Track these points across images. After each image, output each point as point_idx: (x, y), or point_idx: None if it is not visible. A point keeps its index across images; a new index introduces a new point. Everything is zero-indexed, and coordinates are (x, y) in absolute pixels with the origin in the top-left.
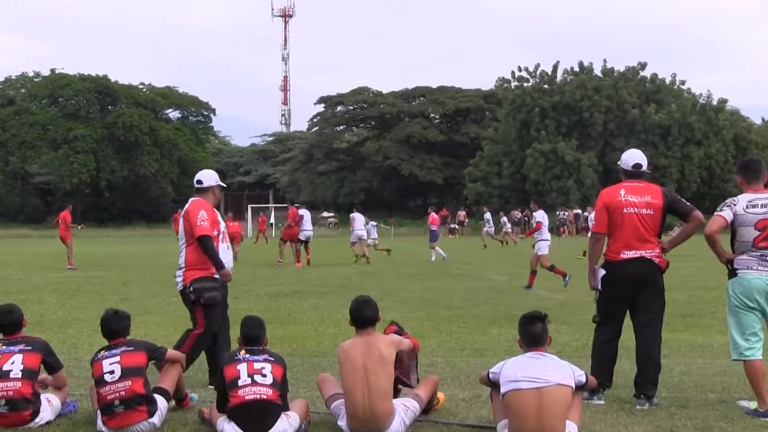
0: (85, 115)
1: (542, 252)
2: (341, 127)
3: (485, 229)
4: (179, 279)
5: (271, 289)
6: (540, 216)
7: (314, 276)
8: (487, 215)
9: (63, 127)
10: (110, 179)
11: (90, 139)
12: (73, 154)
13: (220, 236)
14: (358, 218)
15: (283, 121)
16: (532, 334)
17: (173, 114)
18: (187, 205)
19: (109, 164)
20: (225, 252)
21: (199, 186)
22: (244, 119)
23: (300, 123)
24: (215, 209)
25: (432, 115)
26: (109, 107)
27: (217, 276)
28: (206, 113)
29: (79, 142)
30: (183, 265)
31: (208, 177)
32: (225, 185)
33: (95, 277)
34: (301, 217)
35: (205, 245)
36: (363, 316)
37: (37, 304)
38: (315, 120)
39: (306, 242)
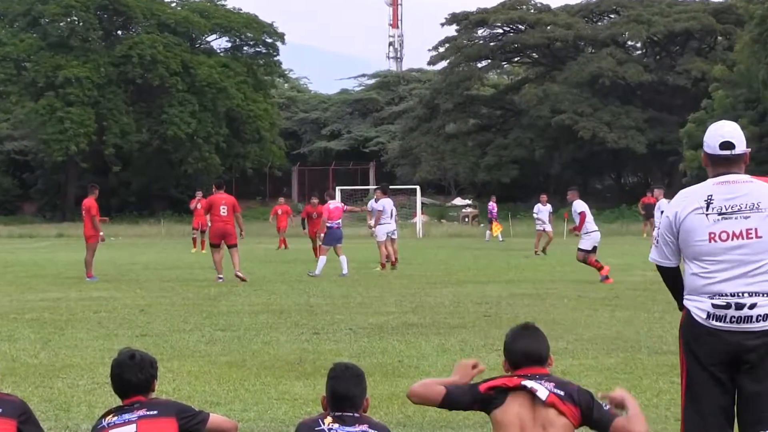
0: (81, 46)
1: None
2: (484, 63)
3: (539, 227)
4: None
5: (372, 320)
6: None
7: (441, 300)
8: (537, 207)
9: (47, 63)
10: (121, 146)
11: (89, 83)
12: (63, 106)
13: None
14: (387, 204)
15: (391, 54)
16: None
17: (218, 43)
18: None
19: (118, 122)
20: None
21: (728, 153)
22: (330, 51)
23: (418, 57)
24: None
25: (630, 42)
26: (119, 32)
27: None
28: (270, 41)
29: (72, 88)
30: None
31: (740, 136)
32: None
33: (98, 299)
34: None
35: None
36: (526, 350)
37: (7, 341)
38: (442, 51)
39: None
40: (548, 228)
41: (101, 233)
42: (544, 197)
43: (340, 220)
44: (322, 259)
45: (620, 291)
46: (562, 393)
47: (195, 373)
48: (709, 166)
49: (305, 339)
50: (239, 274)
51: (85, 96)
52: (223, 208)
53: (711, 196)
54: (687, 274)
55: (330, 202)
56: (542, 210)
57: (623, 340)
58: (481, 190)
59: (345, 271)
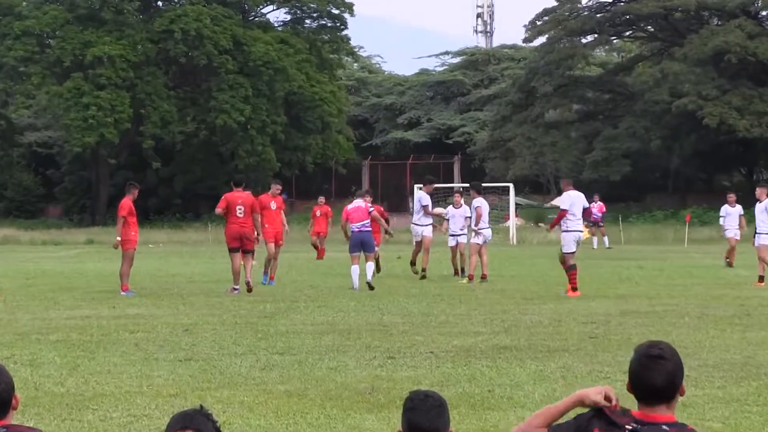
0: (114, 19)
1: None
2: (589, 38)
3: (729, 233)
4: None
5: (457, 342)
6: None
7: (539, 318)
8: (724, 209)
9: (74, 40)
10: (161, 137)
11: (123, 63)
12: (92, 89)
13: None
14: (483, 205)
15: (479, 28)
16: None
17: (276, 15)
18: None
19: (158, 109)
20: None
21: None
22: (406, 24)
23: (511, 31)
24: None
25: (763, 12)
26: (159, 3)
27: None
28: (337, 12)
29: (103, 69)
30: None
31: None
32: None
33: (134, 316)
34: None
35: None
36: (651, 384)
37: (29, 366)
38: (540, 25)
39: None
40: (737, 235)
41: (117, 238)
42: (732, 197)
43: (365, 222)
44: (353, 268)
45: (752, 308)
46: None
47: (248, 404)
48: None
49: (378, 364)
50: (249, 280)
51: (118, 78)
52: (240, 209)
53: None
54: None
55: (355, 201)
56: (731, 213)
57: (755, 365)
58: (586, 188)
59: (369, 278)
